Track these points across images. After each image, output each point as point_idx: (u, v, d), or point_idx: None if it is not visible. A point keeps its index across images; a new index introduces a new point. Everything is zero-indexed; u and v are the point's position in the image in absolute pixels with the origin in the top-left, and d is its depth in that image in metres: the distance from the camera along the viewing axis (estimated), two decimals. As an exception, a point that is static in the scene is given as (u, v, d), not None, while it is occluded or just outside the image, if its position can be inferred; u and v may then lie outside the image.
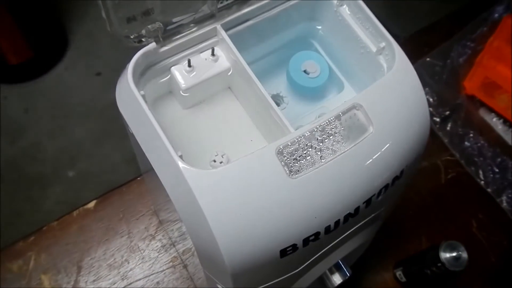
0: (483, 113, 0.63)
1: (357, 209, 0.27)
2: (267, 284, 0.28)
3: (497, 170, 0.59)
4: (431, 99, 0.61)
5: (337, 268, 0.34)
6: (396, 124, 0.28)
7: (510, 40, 0.61)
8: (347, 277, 0.34)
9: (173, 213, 0.33)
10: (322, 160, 0.25)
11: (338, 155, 0.25)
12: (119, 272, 0.46)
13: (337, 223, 0.27)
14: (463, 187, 0.58)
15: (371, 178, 0.27)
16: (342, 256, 0.32)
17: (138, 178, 0.51)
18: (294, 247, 0.26)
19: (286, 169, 0.24)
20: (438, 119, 0.60)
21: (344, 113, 0.26)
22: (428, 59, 0.64)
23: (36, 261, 0.45)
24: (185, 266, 0.46)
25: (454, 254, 0.40)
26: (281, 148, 0.24)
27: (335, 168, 0.25)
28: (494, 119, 0.63)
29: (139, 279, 0.46)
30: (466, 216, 0.56)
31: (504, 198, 0.57)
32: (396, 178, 0.28)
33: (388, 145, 0.27)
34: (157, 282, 0.46)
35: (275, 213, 0.24)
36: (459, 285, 0.51)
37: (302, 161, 0.24)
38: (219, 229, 0.23)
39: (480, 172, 0.58)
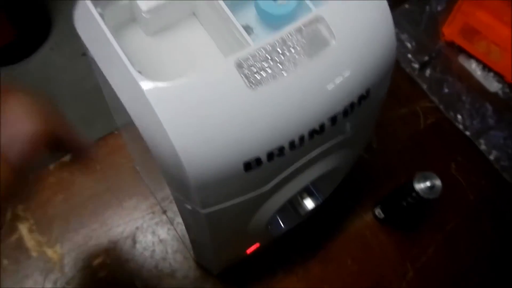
0: (462, 60, 0.63)
1: (322, 126, 0.27)
2: (234, 200, 0.28)
3: (476, 115, 0.59)
4: (409, 45, 0.61)
5: (308, 193, 0.35)
6: (360, 40, 0.27)
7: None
8: (319, 202, 0.35)
9: (146, 155, 0.33)
10: (283, 73, 0.24)
11: (299, 68, 0.25)
12: (98, 220, 0.46)
13: (301, 139, 0.27)
14: (442, 131, 0.58)
15: (334, 94, 0.26)
16: (312, 179, 0.32)
17: (115, 132, 0.51)
18: (258, 161, 0.26)
19: (246, 81, 0.24)
20: (417, 66, 0.60)
21: (305, 25, 0.26)
22: (406, 6, 0.63)
23: (13, 212, 0.45)
24: (164, 212, 0.46)
25: (428, 183, 0.41)
26: (240, 61, 0.24)
27: (296, 81, 0.25)
28: (473, 65, 0.62)
29: (119, 225, 0.46)
30: (445, 159, 0.56)
31: (482, 140, 0.57)
32: (362, 98, 0.28)
33: (350, 60, 0.27)
34: (136, 227, 0.46)
35: (236, 125, 0.24)
36: (439, 221, 0.52)
37: (263, 74, 0.24)
38: (179, 140, 0.23)
39: (459, 116, 0.58)
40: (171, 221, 0.47)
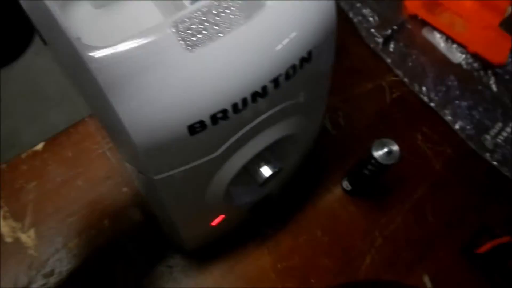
0: (426, 32, 0.64)
1: (264, 89, 0.28)
2: (187, 166, 0.29)
3: (440, 86, 0.61)
4: (372, 20, 0.62)
5: (266, 161, 0.36)
6: (296, 2, 0.28)
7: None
8: (276, 170, 0.36)
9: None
10: (219, 34, 0.26)
11: (236, 30, 0.26)
12: (71, 204, 0.47)
13: (244, 101, 0.28)
14: (407, 104, 0.59)
15: (273, 55, 0.27)
16: (265, 145, 0.33)
17: (86, 120, 0.52)
18: (202, 124, 0.27)
19: (183, 43, 0.25)
20: (380, 40, 0.61)
21: (240, -12, 0.27)
22: (369, -17, 0.65)
23: (-13, 200, 0.46)
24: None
25: (385, 149, 0.42)
26: (176, 23, 0.25)
27: (232, 42, 0.26)
28: (437, 38, 0.64)
29: (92, 209, 0.47)
30: (411, 131, 0.58)
31: (447, 111, 0.59)
32: (304, 60, 0.30)
33: (287, 21, 0.28)
34: (110, 210, 0.47)
35: (176, 87, 0.25)
36: (407, 191, 0.54)
37: (199, 36, 0.25)
38: (120, 104, 0.24)
39: (424, 88, 0.60)
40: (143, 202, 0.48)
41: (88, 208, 0.47)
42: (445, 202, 0.54)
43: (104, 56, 0.24)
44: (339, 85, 0.59)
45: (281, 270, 0.48)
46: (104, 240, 0.46)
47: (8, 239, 0.45)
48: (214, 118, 0.27)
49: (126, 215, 0.48)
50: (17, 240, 0.45)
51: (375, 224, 0.52)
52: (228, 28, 0.26)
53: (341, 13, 0.64)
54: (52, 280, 0.44)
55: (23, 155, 0.49)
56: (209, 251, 0.47)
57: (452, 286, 0.49)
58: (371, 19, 0.62)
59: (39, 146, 0.50)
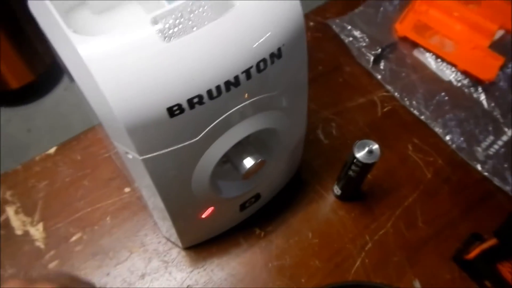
0: (416, 53, 0.68)
1: (236, 78, 0.32)
2: (169, 148, 0.33)
3: (431, 101, 0.63)
4: (363, 42, 0.66)
5: (248, 153, 0.39)
6: (263, 4, 0.32)
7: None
8: (257, 161, 0.39)
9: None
10: (193, 28, 0.30)
11: (208, 25, 0.30)
12: (77, 202, 0.51)
13: (218, 89, 0.31)
14: (398, 117, 0.62)
15: (242, 48, 0.31)
16: (244, 135, 0.36)
17: (95, 126, 0.57)
18: (180, 107, 0.31)
19: (161, 35, 0.29)
20: (371, 58, 0.65)
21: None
22: (361, 8, 0.69)
23: (2, 197, 0.51)
24: (138, 198, 0.51)
25: (366, 149, 0.45)
26: (156, 19, 0.29)
27: (205, 35, 0.30)
28: (428, 58, 0.67)
29: (96, 207, 0.51)
30: (402, 142, 0.60)
31: (438, 124, 0.61)
32: (274, 55, 0.33)
33: (256, 18, 0.32)
34: (112, 208, 0.51)
35: (156, 73, 0.29)
36: (398, 198, 0.55)
37: (175, 29, 0.30)
38: (108, 87, 0.28)
39: (414, 103, 0.63)
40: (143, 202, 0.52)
41: (93, 205, 0.51)
42: (436, 209, 0.55)
43: (94, 43, 0.28)
44: (331, 99, 0.63)
45: (272, 269, 0.50)
46: (106, 236, 0.50)
47: (19, 232, 0.49)
48: (190, 102, 0.31)
49: (127, 213, 0.51)
50: (26, 233, 0.49)
51: (365, 229, 0.53)
52: (201, 23, 0.30)
53: (332, 34, 0.68)
54: (56, 270, 0.47)
55: (37, 158, 0.54)
56: (203, 249, 0.50)
57: (442, 291, 0.50)
58: (362, 40, 0.66)
59: (52, 150, 0.55)
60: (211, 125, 0.34)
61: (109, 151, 0.55)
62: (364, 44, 0.65)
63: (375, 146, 0.45)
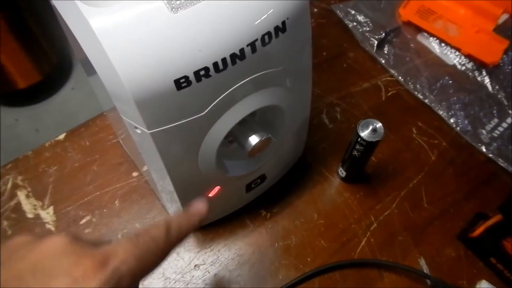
0: (420, 38, 0.68)
1: (242, 51, 0.33)
2: (176, 122, 0.34)
3: (435, 85, 0.64)
4: (367, 27, 0.66)
5: (253, 131, 0.40)
6: None
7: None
8: (262, 138, 0.40)
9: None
10: (200, 0, 0.31)
11: (214, -2, 0.31)
12: (86, 186, 0.52)
13: (224, 61, 0.32)
14: (402, 101, 0.63)
15: (247, 20, 0.32)
16: (249, 111, 0.37)
17: (104, 113, 0.58)
18: (187, 79, 0.31)
19: (168, 6, 0.30)
20: (375, 43, 0.65)
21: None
22: (364, -6, 0.70)
23: (13, 182, 0.52)
24: (146, 182, 0.52)
25: (370, 127, 0.45)
26: (163, -10, 0.30)
27: (211, 7, 0.31)
28: (432, 42, 0.68)
29: (105, 191, 0.52)
30: (407, 125, 0.61)
31: (442, 107, 0.62)
32: (278, 29, 0.34)
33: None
34: (120, 192, 0.51)
35: (163, 44, 0.30)
36: (402, 180, 0.56)
37: (182, 0, 0.30)
38: (117, 58, 0.29)
39: (418, 86, 0.63)
40: (151, 185, 0.53)
41: (101, 189, 0.52)
42: (441, 190, 0.56)
43: (104, 13, 0.29)
44: (336, 84, 0.63)
45: (278, 249, 0.50)
46: (115, 219, 0.51)
47: (30, 215, 0.50)
48: (197, 75, 0.32)
49: (135, 196, 0.52)
50: (37, 216, 0.50)
51: (370, 210, 0.54)
52: (207, -5, 0.31)
53: (336, 20, 0.69)
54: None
55: (47, 144, 0.55)
56: (210, 230, 0.51)
57: (448, 269, 0.50)
58: (365, 25, 0.66)
59: (61, 136, 0.56)
60: (217, 100, 0.35)
61: (117, 137, 0.56)
62: (368, 28, 0.66)
63: (379, 125, 0.45)
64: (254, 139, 0.40)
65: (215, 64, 0.32)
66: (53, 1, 0.33)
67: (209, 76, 0.32)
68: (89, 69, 0.35)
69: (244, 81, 0.35)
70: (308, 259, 0.50)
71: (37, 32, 1.50)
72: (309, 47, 0.40)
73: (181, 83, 0.31)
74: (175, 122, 0.34)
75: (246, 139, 0.40)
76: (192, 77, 0.31)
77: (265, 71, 0.36)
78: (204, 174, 0.41)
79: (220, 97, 0.35)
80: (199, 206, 0.33)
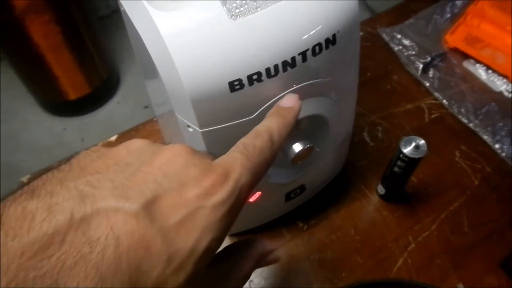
0: (466, 64, 0.68)
1: (293, 59, 0.35)
2: (227, 123, 0.36)
3: (480, 110, 0.63)
4: (413, 51, 0.67)
5: (297, 139, 0.41)
6: None
7: (493, 2, 0.68)
8: (306, 146, 0.41)
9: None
10: (258, 9, 0.33)
11: (271, 7, 0.33)
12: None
13: (276, 68, 0.34)
14: (446, 124, 0.62)
15: (300, 32, 0.34)
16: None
17: (154, 119, 0.61)
18: (240, 82, 0.33)
19: (228, 13, 0.32)
20: (420, 66, 0.66)
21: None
22: (412, 20, 0.71)
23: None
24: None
25: (413, 144, 0.46)
26: (225, -1, 0.33)
27: (268, 17, 0.33)
28: (478, 69, 0.67)
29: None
30: (450, 148, 0.60)
31: (488, 132, 0.61)
32: (329, 41, 0.36)
33: (312, 4, 0.34)
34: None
35: (221, 48, 0.32)
36: (443, 202, 0.55)
37: (241, 9, 0.33)
38: (179, 59, 0.32)
39: (463, 110, 0.63)
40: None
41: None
42: (483, 215, 0.54)
43: (172, 17, 0.32)
44: (379, 104, 0.64)
45: (313, 261, 0.51)
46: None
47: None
48: (250, 79, 0.34)
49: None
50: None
51: (409, 230, 0.53)
52: (265, 4, 0.33)
53: (382, 43, 0.70)
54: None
55: (100, 144, 0.58)
56: (247, 237, 0.52)
57: (488, 297, 0.49)
58: (411, 49, 0.67)
59: (113, 138, 0.59)
60: (267, 104, 0.36)
61: (163, 142, 0.59)
62: (413, 52, 0.67)
63: (422, 142, 0.46)
64: (297, 147, 0.41)
65: (267, 70, 0.34)
66: (122, 2, 0.36)
67: (261, 80, 0.34)
68: (149, 71, 0.38)
69: (293, 88, 0.37)
70: (343, 274, 0.50)
71: (90, 47, 1.60)
72: (356, 61, 0.42)
73: (234, 85, 0.33)
74: (225, 123, 0.36)
75: (289, 146, 0.42)
76: (245, 80, 0.34)
77: (313, 81, 0.38)
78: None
79: (270, 102, 0.36)
80: (291, 102, 0.32)
